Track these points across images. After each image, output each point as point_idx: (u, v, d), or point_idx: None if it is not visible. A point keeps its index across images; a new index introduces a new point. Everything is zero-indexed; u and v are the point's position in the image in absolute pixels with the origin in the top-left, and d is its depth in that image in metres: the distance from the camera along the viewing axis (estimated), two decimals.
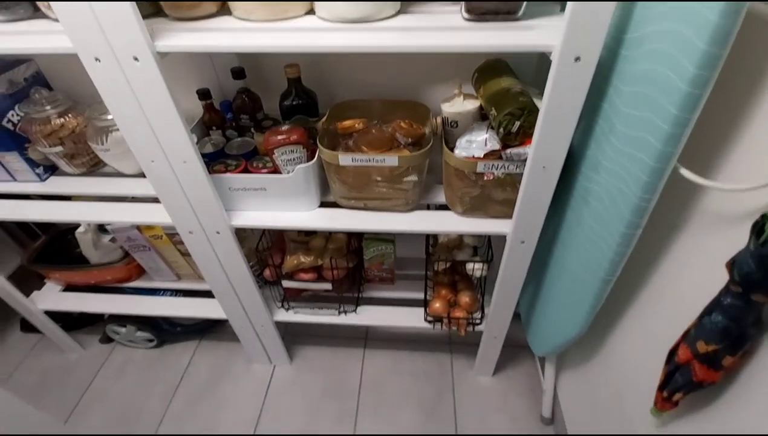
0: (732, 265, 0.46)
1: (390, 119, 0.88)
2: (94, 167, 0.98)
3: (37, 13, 0.70)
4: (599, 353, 0.93)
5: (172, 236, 1.08)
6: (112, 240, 1.14)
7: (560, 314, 0.90)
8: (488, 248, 0.99)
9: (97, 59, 0.59)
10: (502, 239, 0.93)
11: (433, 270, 1.19)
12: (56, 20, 0.61)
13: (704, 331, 0.51)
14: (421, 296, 1.22)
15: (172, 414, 1.23)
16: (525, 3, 0.61)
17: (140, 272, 1.22)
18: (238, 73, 0.83)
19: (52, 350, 1.38)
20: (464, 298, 1.10)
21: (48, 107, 0.85)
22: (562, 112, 0.61)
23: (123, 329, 1.30)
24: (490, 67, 0.80)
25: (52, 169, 0.96)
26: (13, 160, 0.89)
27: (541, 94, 0.63)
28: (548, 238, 0.90)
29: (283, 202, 0.84)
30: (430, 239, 1.27)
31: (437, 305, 1.10)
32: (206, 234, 0.86)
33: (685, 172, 0.54)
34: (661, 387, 0.60)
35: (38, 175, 0.92)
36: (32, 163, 0.91)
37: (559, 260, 0.88)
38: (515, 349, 1.28)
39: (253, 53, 0.83)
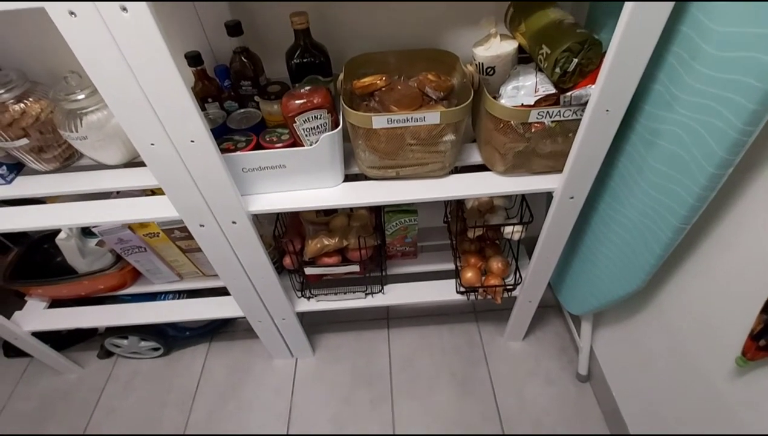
0: None
1: (411, 73, 0.77)
2: (68, 161, 0.83)
3: None
4: (647, 307, 0.89)
5: (170, 232, 0.95)
6: (100, 244, 1.00)
7: (610, 270, 0.84)
8: (524, 208, 0.92)
9: (71, 12, 0.45)
10: (538, 197, 0.86)
11: (456, 239, 1.11)
12: None
13: None
14: (445, 267, 1.16)
15: (196, 421, 1.14)
16: None
17: (136, 276, 1.10)
18: (233, 29, 0.70)
19: (46, 374, 1.25)
20: (497, 264, 1.03)
21: (1, 91, 0.70)
22: (641, 37, 0.53)
23: (125, 342, 1.18)
24: None
25: (17, 168, 0.80)
26: None
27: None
28: (591, 190, 0.84)
29: (306, 178, 0.73)
30: (449, 207, 1.21)
31: (470, 275, 1.03)
32: (220, 225, 0.74)
33: None
34: (757, 336, 0.56)
35: (1, 176, 0.77)
36: None
37: (609, 213, 0.81)
38: (540, 310, 1.24)
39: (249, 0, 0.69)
